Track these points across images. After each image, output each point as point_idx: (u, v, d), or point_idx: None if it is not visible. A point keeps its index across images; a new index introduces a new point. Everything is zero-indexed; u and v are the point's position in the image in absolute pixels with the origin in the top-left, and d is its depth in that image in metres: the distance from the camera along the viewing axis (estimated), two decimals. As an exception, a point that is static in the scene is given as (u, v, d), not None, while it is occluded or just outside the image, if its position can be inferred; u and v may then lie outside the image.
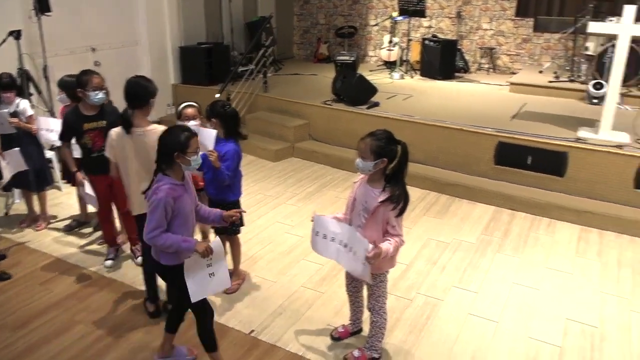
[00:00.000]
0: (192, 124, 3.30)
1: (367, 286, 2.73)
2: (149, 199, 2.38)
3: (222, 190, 3.24)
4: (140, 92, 2.89)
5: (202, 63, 7.37)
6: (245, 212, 2.60)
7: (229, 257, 3.46)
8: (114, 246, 3.84)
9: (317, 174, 5.66)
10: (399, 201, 2.45)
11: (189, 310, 2.67)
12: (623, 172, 4.54)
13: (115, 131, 2.96)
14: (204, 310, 2.59)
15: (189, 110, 3.44)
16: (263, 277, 3.63)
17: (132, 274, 3.64)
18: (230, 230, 3.35)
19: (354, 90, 6.21)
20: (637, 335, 3.10)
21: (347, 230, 2.50)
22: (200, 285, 2.45)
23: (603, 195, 4.62)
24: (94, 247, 4.07)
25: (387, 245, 2.45)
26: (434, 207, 4.81)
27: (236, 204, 3.27)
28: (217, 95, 6.00)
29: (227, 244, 3.46)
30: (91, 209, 4.22)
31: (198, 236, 3.94)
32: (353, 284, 2.88)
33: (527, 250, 4.07)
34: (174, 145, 2.35)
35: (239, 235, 3.46)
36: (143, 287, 3.22)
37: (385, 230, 2.52)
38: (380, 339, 2.80)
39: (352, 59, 7.80)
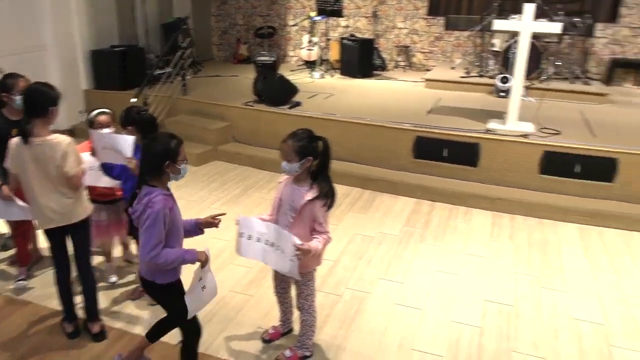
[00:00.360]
0: (105, 132, 3.15)
1: (296, 286, 2.75)
2: (140, 215, 2.22)
3: (143, 199, 3.13)
4: (39, 99, 2.69)
5: (116, 67, 7.06)
6: (225, 214, 2.54)
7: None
8: (26, 265, 3.60)
9: (241, 176, 5.61)
10: (328, 196, 2.50)
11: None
12: (529, 159, 4.88)
13: (15, 140, 2.76)
14: (196, 329, 2.52)
15: (102, 118, 3.28)
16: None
17: (46, 293, 3.43)
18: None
19: (275, 90, 6.21)
20: (547, 309, 3.35)
21: (273, 229, 2.50)
22: (196, 300, 2.38)
23: (513, 182, 4.94)
24: (2, 267, 3.79)
25: (315, 243, 2.49)
26: (358, 203, 4.92)
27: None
28: (133, 100, 5.78)
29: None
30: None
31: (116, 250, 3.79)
32: (281, 285, 2.89)
33: (447, 238, 4.27)
34: (165, 153, 2.23)
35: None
36: (59, 307, 3.04)
37: (313, 229, 2.55)
38: (310, 337, 2.83)
39: (273, 59, 7.80)
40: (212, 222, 2.49)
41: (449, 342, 3.02)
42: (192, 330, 2.53)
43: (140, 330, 3.00)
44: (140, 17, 8.21)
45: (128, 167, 2.91)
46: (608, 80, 7.63)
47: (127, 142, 2.93)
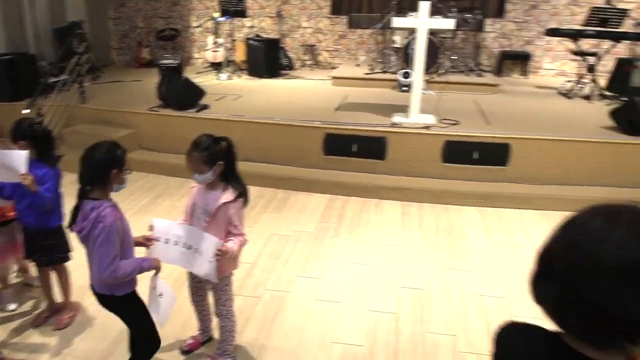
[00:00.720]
0: (-8, 148, 2.91)
1: (213, 292, 2.71)
2: (89, 232, 2.08)
3: (44, 216, 2.91)
4: None
5: (4, 76, 6.53)
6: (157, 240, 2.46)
7: (57, 289, 3.16)
8: None
9: (149, 184, 5.41)
10: (243, 195, 2.51)
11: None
12: (432, 150, 5.14)
13: None
14: (155, 341, 2.44)
15: (-13, 133, 3.03)
16: (98, 305, 3.37)
17: None
18: (56, 258, 3.05)
19: (181, 94, 6.05)
20: (455, 290, 3.56)
21: (189, 231, 2.46)
22: (159, 310, 2.34)
23: (419, 171, 5.18)
24: None
25: (231, 245, 2.47)
26: (273, 203, 4.93)
27: (59, 230, 2.99)
28: (25, 112, 5.37)
29: (53, 275, 3.14)
30: None
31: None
32: (198, 292, 2.83)
33: (360, 231, 4.40)
34: (112, 161, 2.11)
35: (66, 264, 3.16)
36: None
37: (228, 231, 2.52)
38: (231, 342, 2.80)
39: (177, 62, 7.59)
40: (144, 243, 2.44)
41: (367, 331, 3.12)
42: (153, 342, 2.46)
43: (47, 359, 2.81)
44: (29, 22, 7.65)
45: (23, 184, 2.70)
46: (498, 71, 8.24)
47: (20, 158, 2.70)
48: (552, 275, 0.94)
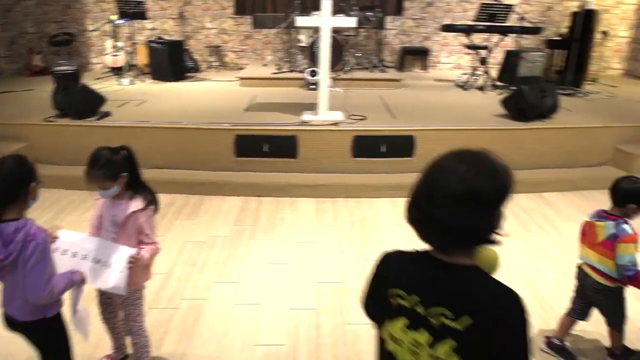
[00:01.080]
0: None
1: (123, 307, 2.60)
2: (19, 254, 1.90)
3: None
4: None
5: None
6: None
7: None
8: None
9: (49, 200, 5.06)
10: (153, 202, 2.44)
11: None
12: (342, 145, 5.27)
13: None
14: None
15: None
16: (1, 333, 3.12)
17: None
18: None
19: (79, 101, 5.71)
20: (370, 281, 3.68)
21: (99, 243, 2.36)
22: (82, 323, 2.33)
23: (330, 168, 5.28)
24: None
25: (143, 252, 2.39)
26: (185, 210, 4.81)
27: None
28: None
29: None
30: None
31: None
32: (108, 309, 2.71)
33: (276, 230, 4.41)
34: (27, 175, 1.96)
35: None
36: None
37: (139, 241, 2.43)
38: (146, 358, 2.71)
39: (73, 68, 7.16)
40: None
41: (288, 330, 3.14)
42: None
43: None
44: None
45: None
46: (400, 66, 8.60)
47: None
48: (416, 202, 1.25)
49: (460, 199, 1.15)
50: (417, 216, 1.24)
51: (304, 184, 5.07)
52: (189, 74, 8.25)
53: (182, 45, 8.23)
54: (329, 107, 5.54)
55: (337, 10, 7.28)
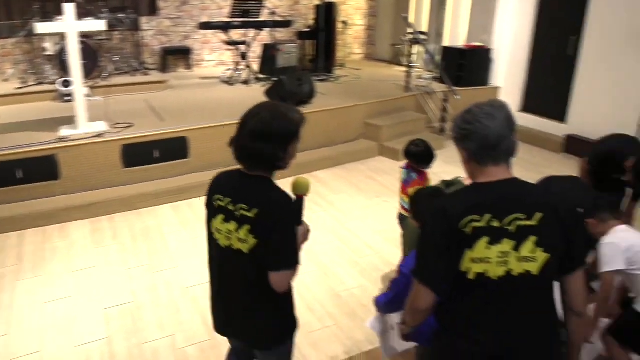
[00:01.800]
0: None
1: None
2: None
3: None
4: None
5: None
6: None
7: None
8: None
9: None
10: None
11: None
12: (111, 157, 4.93)
13: None
14: None
15: None
16: None
17: None
18: None
19: None
20: (163, 290, 3.58)
21: None
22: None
23: (101, 183, 4.90)
24: None
25: None
26: None
27: None
28: None
29: None
30: None
31: None
32: None
33: (47, 264, 3.93)
34: None
35: None
36: None
37: None
38: None
39: None
40: None
41: (77, 367, 2.87)
42: None
43: None
44: None
45: None
46: (163, 68, 8.36)
47: None
48: (235, 136, 1.82)
49: (260, 135, 1.74)
50: (234, 145, 1.81)
51: (72, 205, 4.60)
52: None
53: None
54: (89, 118, 5.11)
55: (85, 13, 6.72)
